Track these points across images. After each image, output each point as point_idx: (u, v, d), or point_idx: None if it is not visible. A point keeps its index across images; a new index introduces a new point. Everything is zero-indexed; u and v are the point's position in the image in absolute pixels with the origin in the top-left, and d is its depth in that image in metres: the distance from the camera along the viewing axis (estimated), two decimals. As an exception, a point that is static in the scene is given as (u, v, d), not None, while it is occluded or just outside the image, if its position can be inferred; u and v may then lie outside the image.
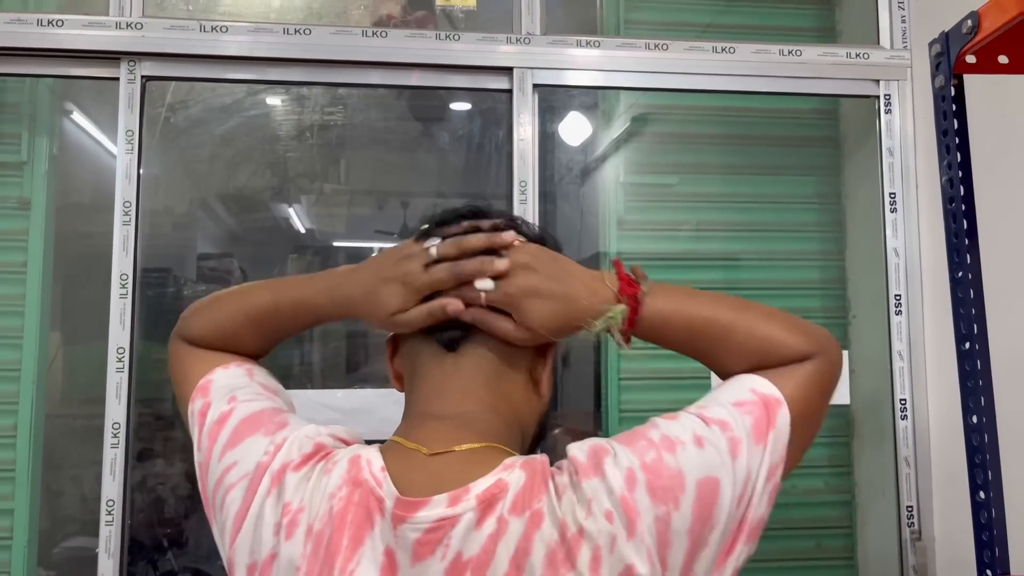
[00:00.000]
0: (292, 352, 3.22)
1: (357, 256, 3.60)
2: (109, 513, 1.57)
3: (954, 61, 0.87)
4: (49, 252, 1.86)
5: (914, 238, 1.77)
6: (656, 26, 2.04)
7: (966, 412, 0.86)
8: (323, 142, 2.92)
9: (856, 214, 2.03)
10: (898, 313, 1.76)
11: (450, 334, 0.75)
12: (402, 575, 0.64)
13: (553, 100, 1.96)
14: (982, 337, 0.86)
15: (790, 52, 1.78)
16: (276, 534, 0.68)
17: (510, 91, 1.72)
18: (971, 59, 0.89)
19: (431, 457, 0.69)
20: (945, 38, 0.88)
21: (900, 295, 1.76)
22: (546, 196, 1.80)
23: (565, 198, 2.28)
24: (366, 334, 3.23)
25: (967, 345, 0.87)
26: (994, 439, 0.85)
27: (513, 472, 0.66)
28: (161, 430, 2.76)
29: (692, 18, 2.05)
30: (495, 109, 1.93)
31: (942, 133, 0.89)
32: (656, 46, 1.74)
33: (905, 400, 1.74)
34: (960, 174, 0.88)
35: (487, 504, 0.64)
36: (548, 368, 0.78)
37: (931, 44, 0.90)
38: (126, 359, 1.60)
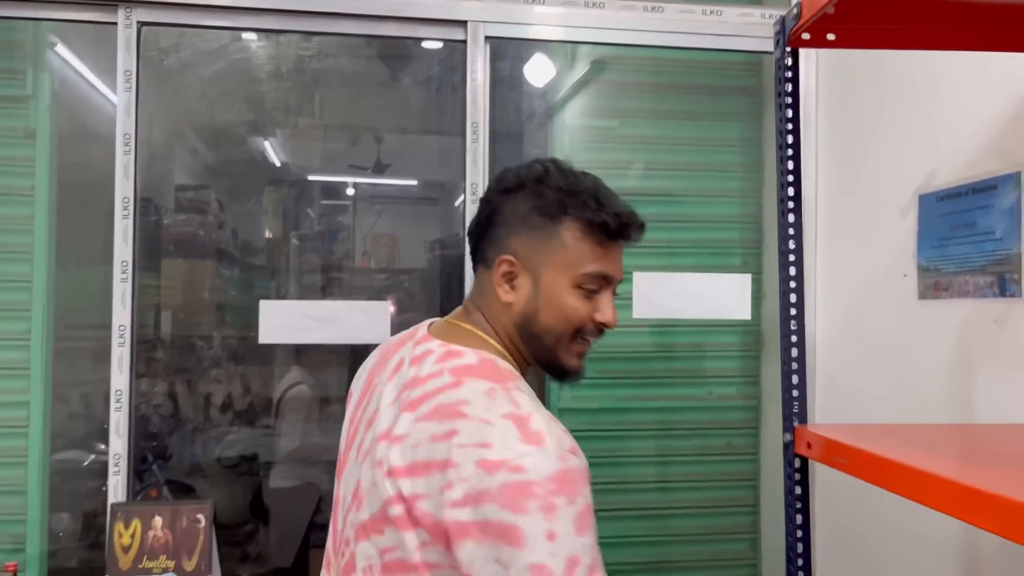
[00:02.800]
0: (269, 282, 3.40)
1: (331, 190, 3.78)
2: (118, 401, 1.84)
3: (788, 38, 1.13)
4: (53, 178, 2.08)
5: (811, 180, 2.04)
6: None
7: (784, 301, 1.15)
8: (299, 78, 3.09)
9: (772, 157, 2.30)
10: (795, 243, 2.04)
11: None
12: None
13: (506, 50, 2.19)
14: (798, 250, 1.15)
15: (712, 12, 2.02)
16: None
17: (465, 41, 1.95)
18: (806, 36, 1.14)
19: None
20: (782, 20, 1.14)
21: (797, 227, 2.05)
22: (497, 136, 2.05)
23: (515, 139, 2.52)
24: (340, 267, 3.44)
25: (791, 257, 1.15)
26: (802, 323, 1.14)
27: None
28: (145, 352, 2.98)
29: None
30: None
31: (778, 95, 1.16)
32: (593, 4, 1.98)
33: (797, 316, 2.05)
34: (790, 127, 1.15)
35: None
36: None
37: (774, 24, 1.16)
38: (129, 271, 1.85)
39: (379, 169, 3.69)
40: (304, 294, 3.31)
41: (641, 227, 1.10)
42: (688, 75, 2.31)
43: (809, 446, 1.05)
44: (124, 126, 1.87)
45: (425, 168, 3.81)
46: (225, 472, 3.19)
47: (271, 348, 3.06)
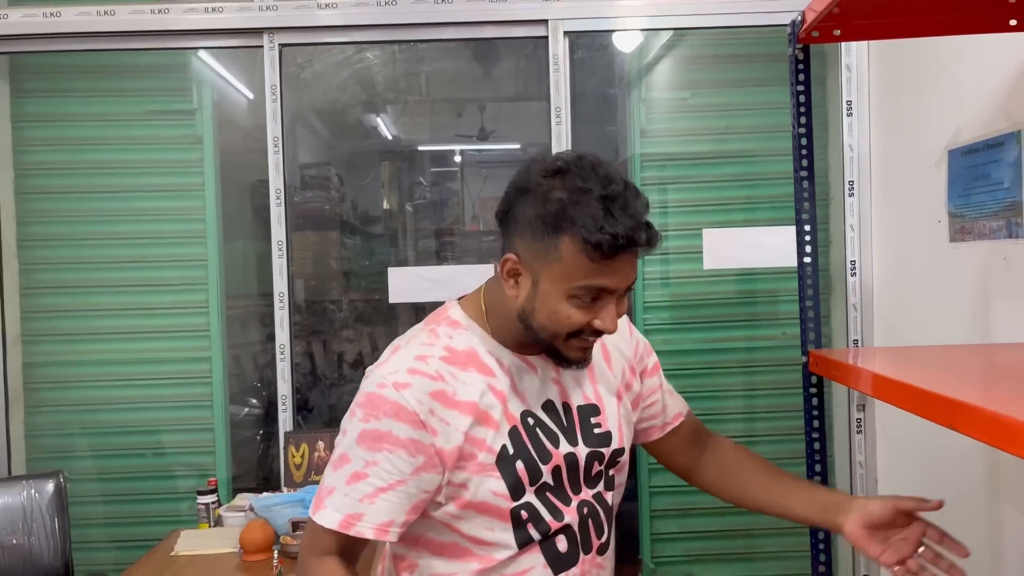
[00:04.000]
0: (388, 249, 3.76)
1: (440, 159, 4.10)
2: (282, 353, 2.30)
3: (799, 38, 1.39)
4: (217, 174, 2.54)
5: (865, 136, 2.25)
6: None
7: (800, 250, 1.43)
8: (407, 63, 3.39)
9: (836, 116, 2.49)
10: (851, 195, 2.27)
11: None
12: None
13: (584, 41, 2.48)
14: (811, 208, 1.42)
15: (772, -11, 2.25)
16: None
17: (546, 37, 2.26)
18: (816, 34, 1.40)
19: None
20: (793, 23, 1.40)
21: (853, 181, 2.27)
22: (578, 117, 2.35)
23: (595, 118, 2.81)
24: (452, 232, 3.76)
25: (805, 215, 1.43)
26: (816, 266, 1.42)
27: None
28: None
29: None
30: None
31: (791, 84, 1.42)
32: (659, -6, 2.25)
33: (855, 261, 2.28)
34: (803, 110, 1.42)
35: None
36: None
37: (788, 26, 1.42)
38: (284, 248, 2.29)
39: (483, 136, 3.97)
40: (420, 258, 3.63)
41: (649, 240, 1.03)
42: (752, 45, 2.53)
43: (817, 365, 1.34)
44: (272, 130, 2.29)
45: (526, 132, 4.03)
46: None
47: (394, 309, 3.47)
